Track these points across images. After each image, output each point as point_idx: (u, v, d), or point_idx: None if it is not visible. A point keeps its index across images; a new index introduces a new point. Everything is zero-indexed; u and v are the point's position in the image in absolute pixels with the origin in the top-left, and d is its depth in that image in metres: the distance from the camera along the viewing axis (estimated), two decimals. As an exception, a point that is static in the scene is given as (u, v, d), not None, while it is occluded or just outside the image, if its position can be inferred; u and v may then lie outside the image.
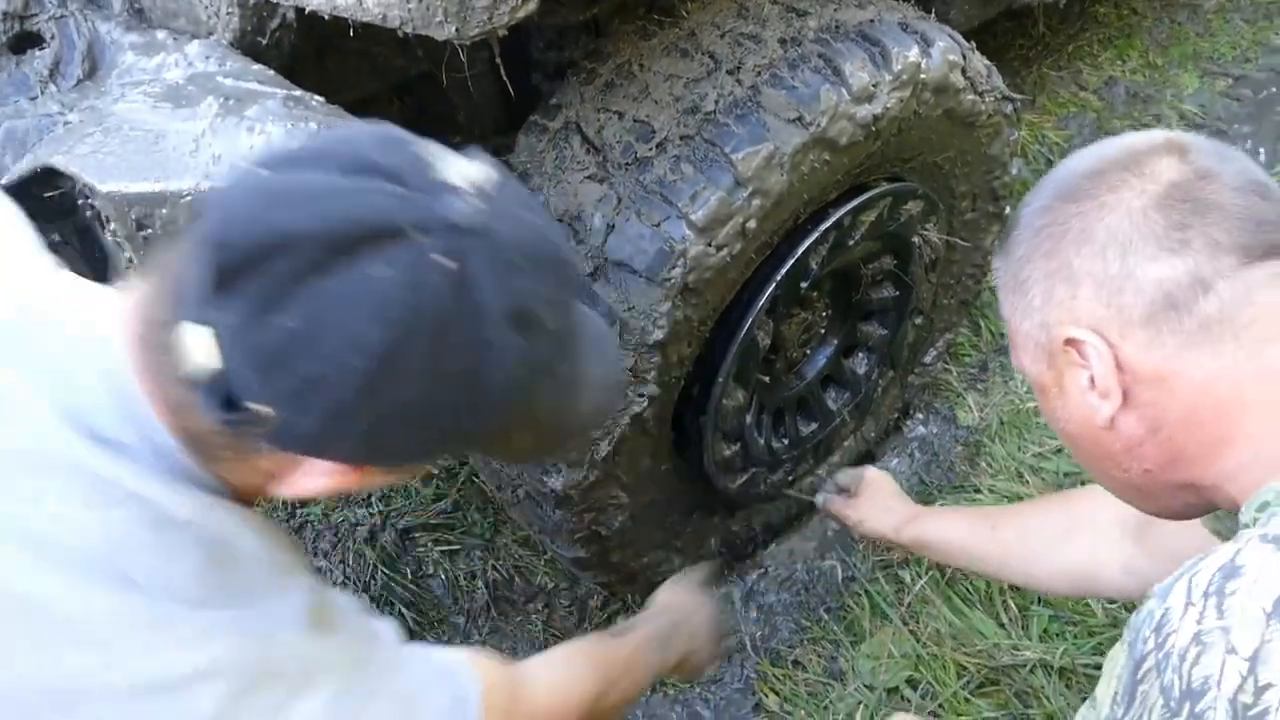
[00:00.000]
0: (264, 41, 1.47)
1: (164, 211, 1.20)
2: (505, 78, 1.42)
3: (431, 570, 2.42)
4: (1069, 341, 0.92)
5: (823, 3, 1.73)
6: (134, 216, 1.22)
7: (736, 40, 1.65)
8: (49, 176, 1.29)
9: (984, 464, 2.46)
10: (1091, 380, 0.92)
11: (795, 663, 2.20)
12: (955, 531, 1.73)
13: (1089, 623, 2.09)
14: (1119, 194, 0.90)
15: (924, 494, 2.44)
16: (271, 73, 1.33)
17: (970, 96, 1.81)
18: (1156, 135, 0.96)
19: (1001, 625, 2.13)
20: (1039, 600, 2.15)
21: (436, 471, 2.59)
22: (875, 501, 1.90)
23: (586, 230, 1.59)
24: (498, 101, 2.00)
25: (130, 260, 1.30)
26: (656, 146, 1.58)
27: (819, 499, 2.04)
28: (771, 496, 2.25)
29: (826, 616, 2.27)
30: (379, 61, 1.79)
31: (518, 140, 1.76)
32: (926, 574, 2.23)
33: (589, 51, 1.78)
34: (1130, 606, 2.10)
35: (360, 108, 1.37)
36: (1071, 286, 0.91)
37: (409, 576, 2.40)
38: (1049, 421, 1.03)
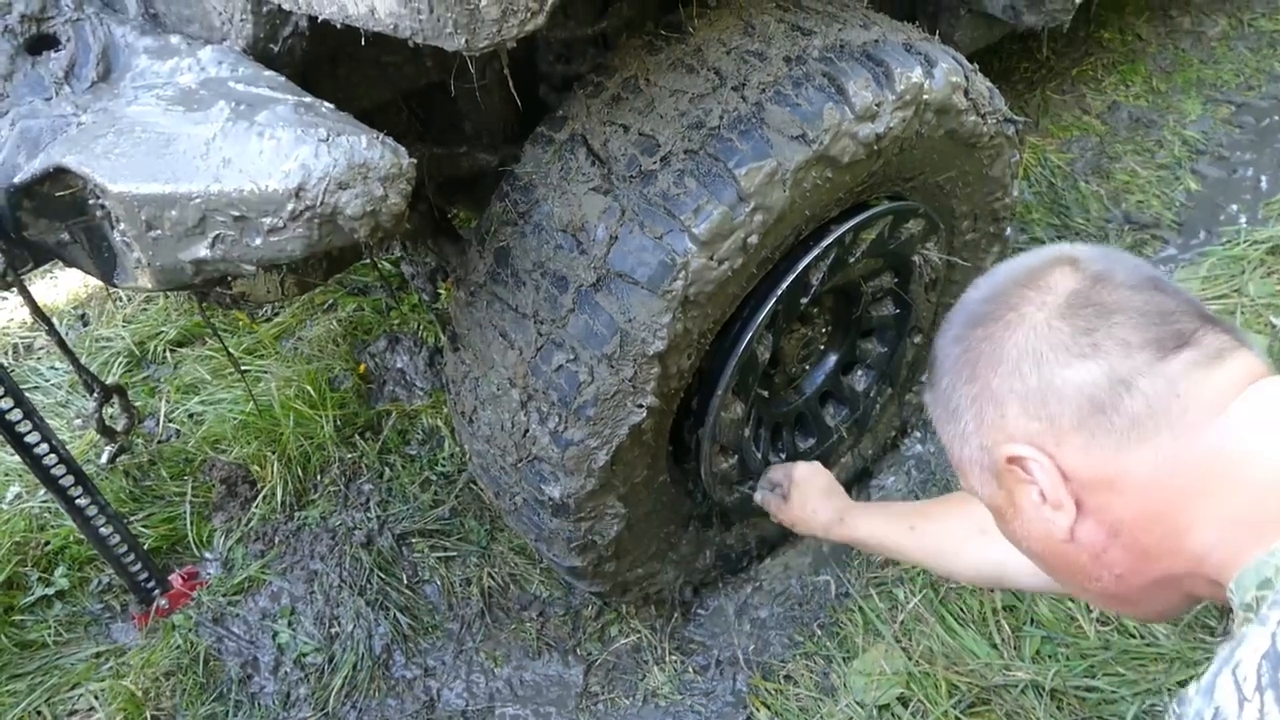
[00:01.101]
0: (276, 48, 1.48)
1: (173, 213, 1.21)
2: (513, 89, 1.44)
3: (427, 576, 2.43)
4: (1010, 459, 0.94)
5: (828, 22, 1.75)
6: (144, 217, 1.23)
7: (742, 57, 1.67)
8: (61, 176, 1.31)
9: (979, 483, 2.47)
10: (1042, 494, 0.94)
11: (787, 677, 2.20)
12: (878, 531, 1.79)
13: (1081, 645, 2.10)
14: (1021, 311, 0.94)
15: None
16: (283, 79, 1.34)
17: (972, 118, 1.83)
18: (1048, 251, 1.01)
19: (994, 645, 2.13)
20: (1032, 621, 2.15)
21: (434, 478, 2.60)
22: (805, 503, 1.91)
23: (590, 241, 1.60)
24: (505, 112, 2.02)
25: (139, 260, 1.31)
26: (661, 160, 1.59)
27: (756, 496, 2.05)
28: (766, 510, 2.26)
29: (819, 632, 2.27)
30: (389, 70, 1.80)
31: (524, 151, 1.77)
32: (920, 592, 2.23)
33: (596, 65, 1.80)
34: (1122, 624, 2.11)
35: (370, 116, 1.39)
36: (998, 407, 0.94)
37: (405, 582, 2.40)
38: (1013, 544, 1.06)
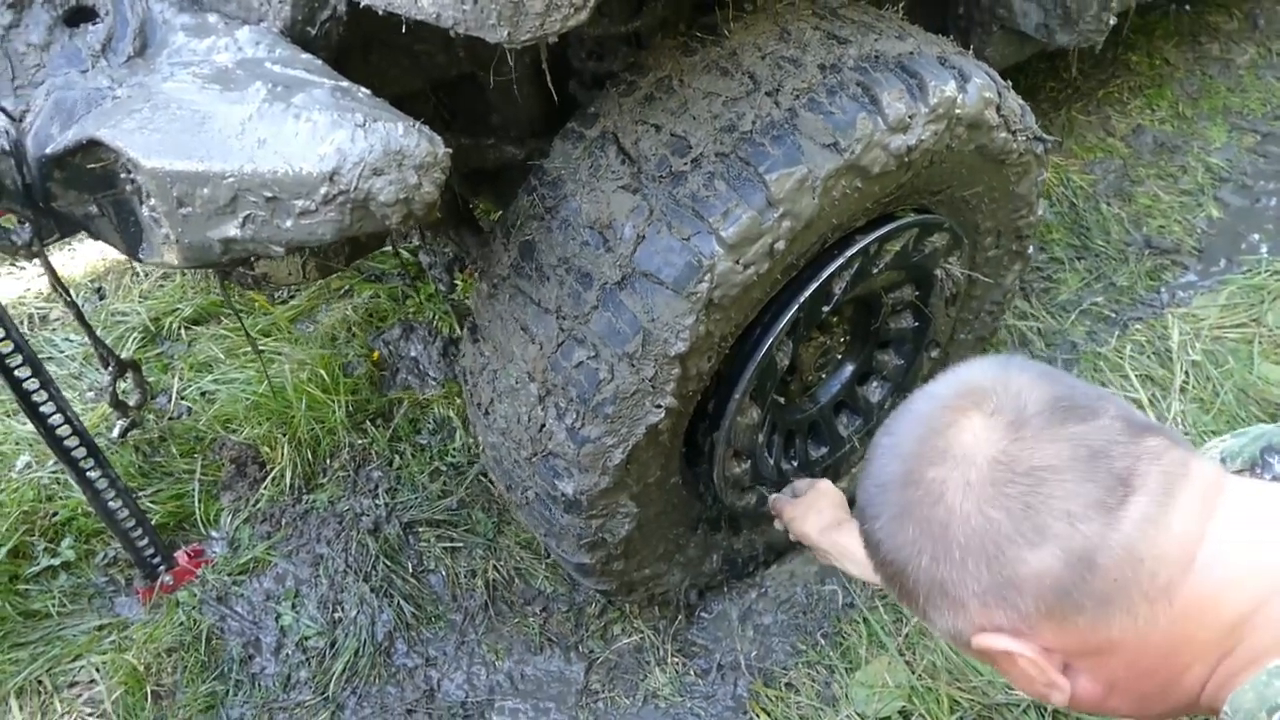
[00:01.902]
0: (313, 32, 1.48)
1: (205, 191, 1.21)
2: (550, 83, 1.43)
3: (432, 566, 2.43)
4: (986, 649, 0.88)
5: (863, 32, 1.74)
6: (175, 194, 1.23)
7: (777, 63, 1.66)
8: (93, 148, 1.31)
9: (988, 500, 2.46)
10: (1021, 666, 0.88)
11: (789, 685, 2.20)
12: (859, 549, 1.72)
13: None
14: (945, 500, 0.85)
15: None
16: (320, 63, 1.34)
17: (1003, 134, 1.83)
18: (944, 391, 0.91)
19: (997, 663, 2.12)
20: (1036, 641, 2.14)
21: (444, 469, 2.60)
22: (811, 506, 1.86)
23: (616, 239, 1.60)
24: (533, 106, 2.02)
25: (167, 237, 1.31)
26: (692, 162, 1.59)
27: (771, 498, 2.03)
28: (773, 511, 2.26)
29: (823, 641, 2.27)
30: (422, 59, 1.80)
31: (553, 146, 1.77)
32: (925, 606, 2.22)
33: (629, 64, 1.79)
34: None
35: (398, 104, 1.39)
36: (955, 603, 0.87)
37: (410, 570, 2.40)
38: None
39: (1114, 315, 2.93)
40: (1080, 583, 0.81)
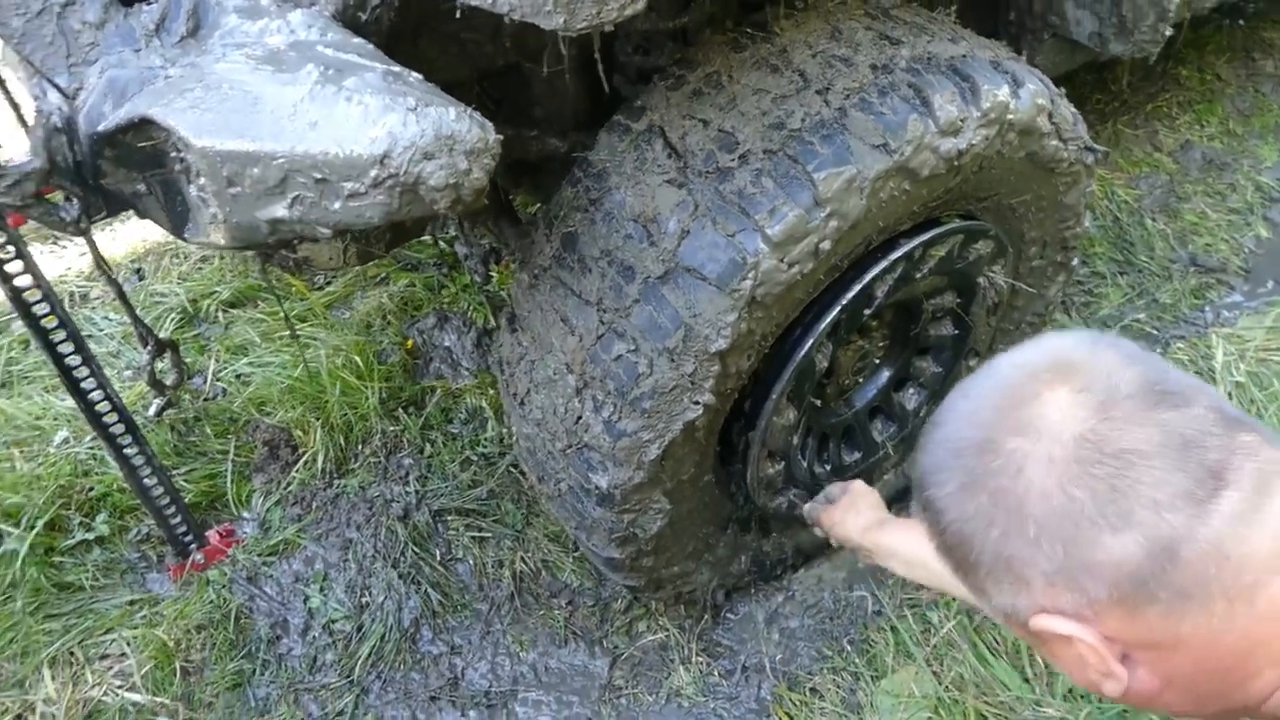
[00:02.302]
0: (364, 17, 1.49)
1: (255, 171, 1.22)
2: (602, 74, 1.43)
3: (460, 555, 2.43)
4: (1045, 631, 0.85)
5: (916, 33, 1.73)
6: (225, 174, 1.23)
7: (828, 61, 1.65)
8: (144, 127, 1.31)
9: (1022, 513, 2.43)
10: (1080, 651, 0.85)
11: (813, 690, 2.18)
12: (905, 545, 1.69)
13: (1116, 687, 2.06)
14: (1025, 473, 0.81)
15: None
16: (371, 47, 1.34)
17: (1054, 142, 1.80)
18: (1031, 360, 0.87)
19: (1026, 680, 2.10)
20: (1066, 657, 2.11)
21: (475, 458, 2.61)
22: (849, 508, 1.85)
23: (660, 233, 1.59)
24: (578, 99, 2.01)
25: (214, 216, 1.32)
26: (739, 158, 1.58)
27: (806, 507, 1.99)
28: (809, 520, 2.24)
29: (849, 648, 2.25)
30: (469, 48, 1.80)
31: (599, 138, 1.76)
32: (955, 618, 2.20)
33: (678, 58, 1.79)
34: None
35: (444, 92, 1.38)
36: (1020, 580, 0.84)
37: (438, 558, 2.41)
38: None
39: (1156, 333, 2.89)
40: (1159, 574, 0.78)
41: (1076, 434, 0.80)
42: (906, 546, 1.70)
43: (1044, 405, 0.83)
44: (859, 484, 1.91)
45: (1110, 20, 2.14)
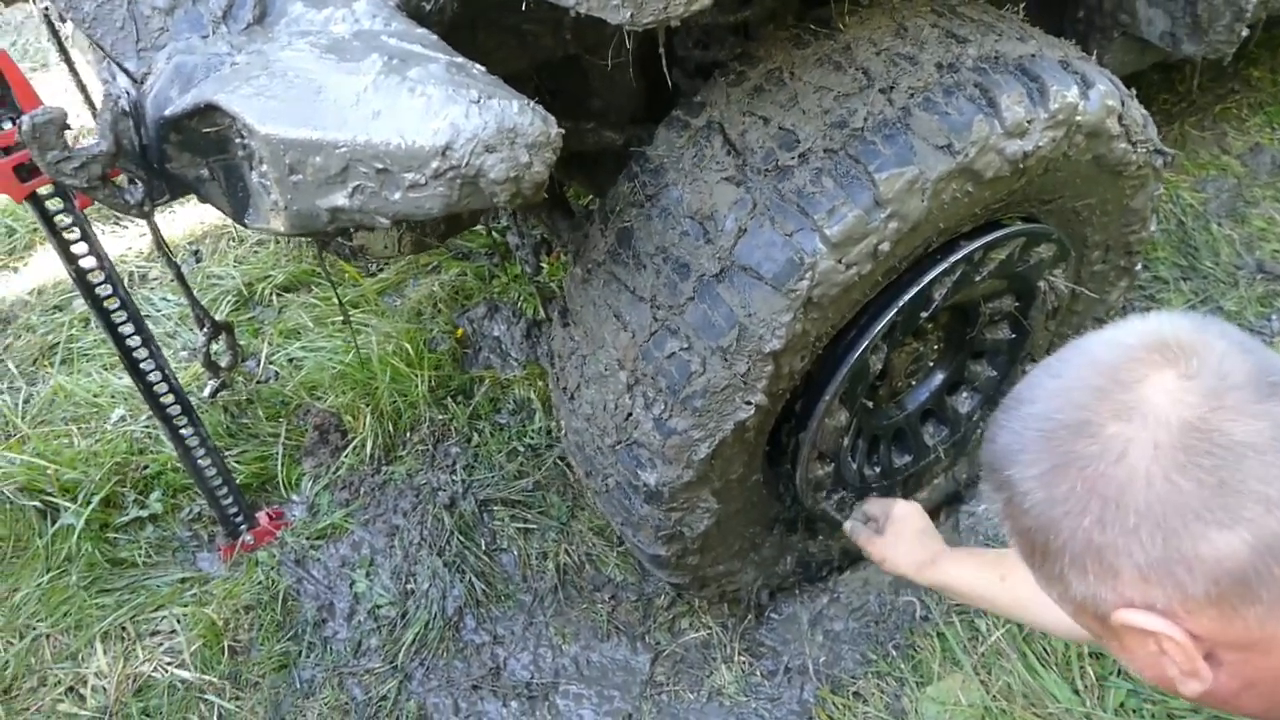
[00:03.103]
0: (428, 7, 1.49)
1: (318, 159, 1.22)
2: (665, 69, 1.41)
3: (505, 545, 2.44)
4: (1129, 625, 0.81)
5: (984, 32, 1.69)
6: (288, 161, 1.24)
7: (892, 59, 1.62)
8: (210, 113, 1.32)
9: (1075, 522, 2.39)
10: (1163, 650, 0.81)
11: (856, 694, 2.16)
12: (968, 578, 1.65)
13: (1170, 704, 2.01)
14: (1128, 459, 0.77)
15: (1008, 545, 2.38)
16: (435, 37, 1.34)
17: (1123, 145, 1.76)
18: (1133, 340, 0.82)
19: (1076, 691, 2.06)
20: (1119, 672, 2.07)
21: (522, 450, 2.61)
22: (899, 540, 1.79)
23: (717, 231, 1.58)
24: (635, 93, 2.00)
25: (275, 203, 1.32)
26: (799, 156, 1.56)
27: (846, 526, 1.94)
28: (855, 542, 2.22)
29: (894, 653, 2.22)
30: (529, 40, 1.80)
31: (657, 133, 1.75)
32: (1003, 626, 2.17)
33: (738, 54, 1.77)
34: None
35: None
36: (1108, 570, 0.80)
37: (483, 548, 2.42)
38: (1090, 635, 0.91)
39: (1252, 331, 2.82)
40: (1264, 573, 0.75)
41: (1185, 421, 0.76)
42: (965, 585, 1.67)
43: (1149, 388, 0.78)
44: (900, 507, 1.84)
45: (1184, 19, 2.09)
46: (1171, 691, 0.86)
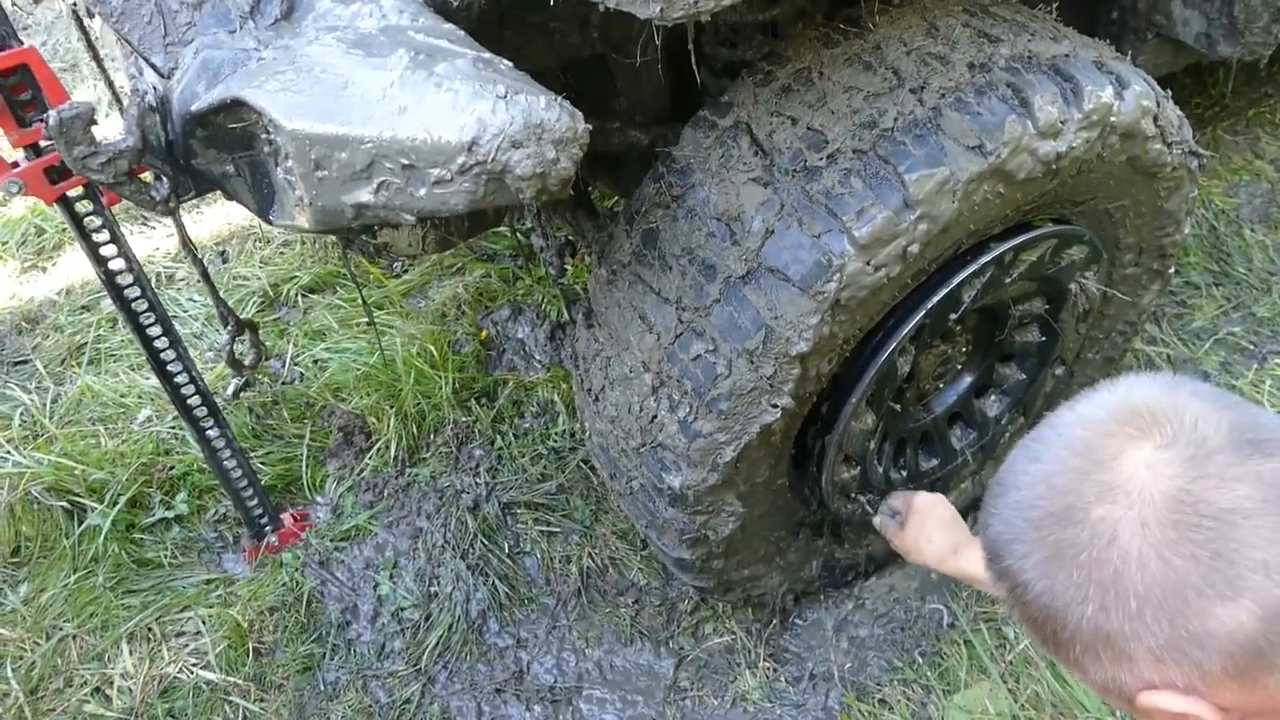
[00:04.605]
0: (455, 3, 1.48)
1: (343, 155, 1.21)
2: (694, 66, 1.40)
3: (528, 548, 2.43)
4: (1155, 708, 0.79)
5: (1016, 31, 1.67)
6: (314, 157, 1.23)
7: (923, 59, 1.60)
8: (236, 108, 1.32)
9: (1105, 530, 2.35)
10: None
11: (882, 701, 2.13)
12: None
13: (1201, 714, 1.98)
14: (1118, 543, 0.75)
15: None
16: (462, 33, 1.33)
17: (1158, 146, 1.73)
18: (1104, 413, 0.80)
19: (1105, 701, 2.02)
20: (1148, 681, 2.04)
21: (545, 452, 2.60)
22: (921, 530, 1.75)
23: (744, 232, 1.56)
24: (661, 92, 1.99)
25: (300, 199, 1.32)
26: (828, 157, 1.54)
27: (875, 520, 1.92)
28: (883, 535, 2.19)
29: (921, 660, 2.20)
30: (555, 38, 1.79)
31: (683, 133, 1.74)
32: (1032, 634, 2.14)
33: (766, 53, 1.75)
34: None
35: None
36: (1121, 656, 0.77)
37: (506, 551, 2.41)
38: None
39: (1252, 348, 2.77)
40: (1276, 641, 0.73)
41: (1168, 495, 0.74)
42: (982, 578, 1.62)
43: (1127, 465, 0.76)
44: (923, 499, 1.81)
45: (1220, 21, 2.06)
46: None
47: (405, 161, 1.18)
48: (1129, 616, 0.76)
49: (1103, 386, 0.86)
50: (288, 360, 2.90)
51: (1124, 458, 0.77)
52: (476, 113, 1.14)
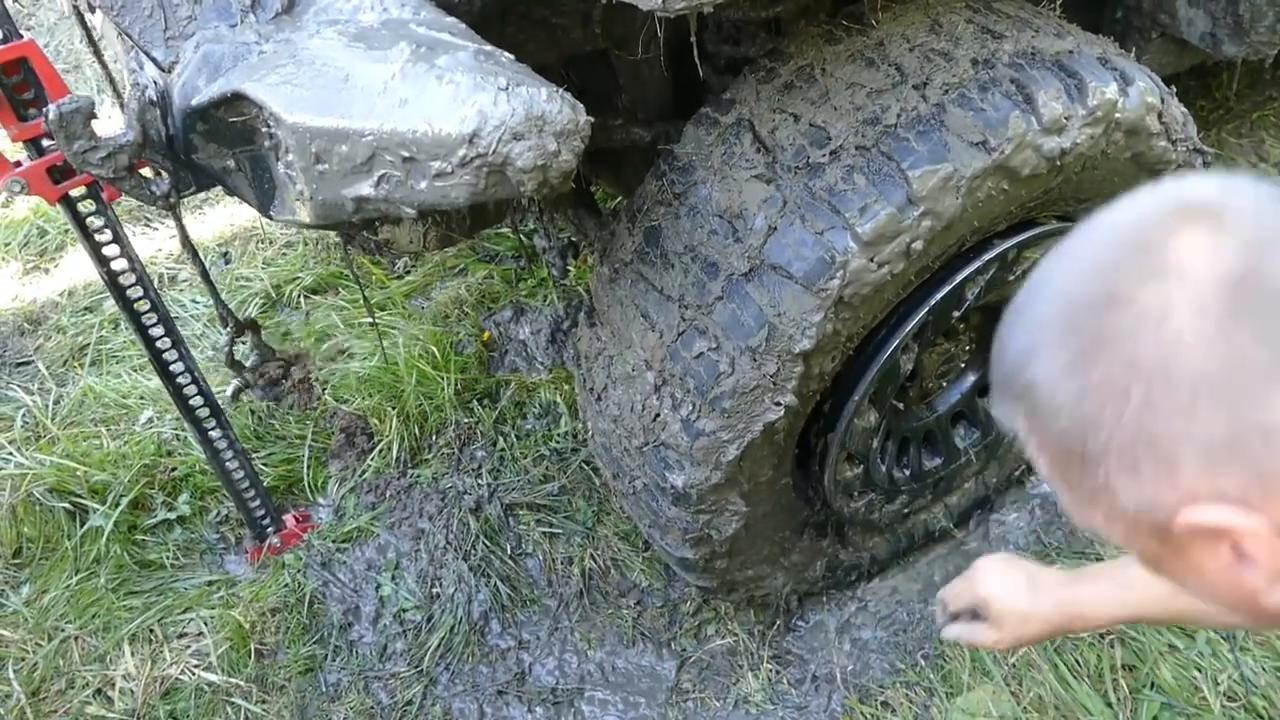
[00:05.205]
0: (456, -1, 1.48)
1: (344, 148, 1.21)
2: (696, 60, 1.39)
3: (530, 550, 2.42)
4: (1196, 527, 0.68)
5: (1020, 27, 1.66)
6: (314, 150, 1.23)
7: (926, 56, 1.60)
8: (237, 102, 1.32)
9: (1110, 533, 2.33)
10: (1241, 554, 0.69)
11: (885, 704, 2.12)
12: (1109, 610, 1.35)
13: (1205, 718, 1.96)
14: (1170, 323, 0.64)
15: (1041, 555, 2.33)
16: (464, 26, 1.33)
17: (1162, 143, 1.72)
18: (1149, 207, 0.70)
19: (1109, 704, 2.01)
20: (1152, 685, 2.03)
21: (547, 453, 2.59)
22: (1023, 621, 1.38)
23: (746, 229, 1.55)
24: (664, 89, 1.99)
25: (301, 193, 1.31)
26: (830, 154, 1.53)
27: (947, 635, 1.48)
28: (881, 527, 2.18)
29: (923, 662, 2.18)
30: (557, 34, 1.78)
31: (685, 130, 1.73)
32: (1035, 636, 2.12)
33: (769, 50, 1.75)
34: (1250, 701, 1.97)
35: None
36: (1165, 462, 0.66)
37: (508, 552, 2.40)
38: (1171, 581, 0.78)
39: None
40: None
41: (1229, 274, 0.64)
42: (1102, 621, 1.39)
43: (1182, 247, 0.66)
44: (989, 582, 1.41)
45: (1225, 20, 2.04)
46: (1253, 613, 0.74)
47: (406, 154, 1.18)
48: (1179, 410, 0.65)
49: (1144, 187, 0.74)
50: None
51: (1177, 241, 0.66)
52: (477, 105, 1.14)
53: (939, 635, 1.59)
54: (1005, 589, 1.39)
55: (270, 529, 2.40)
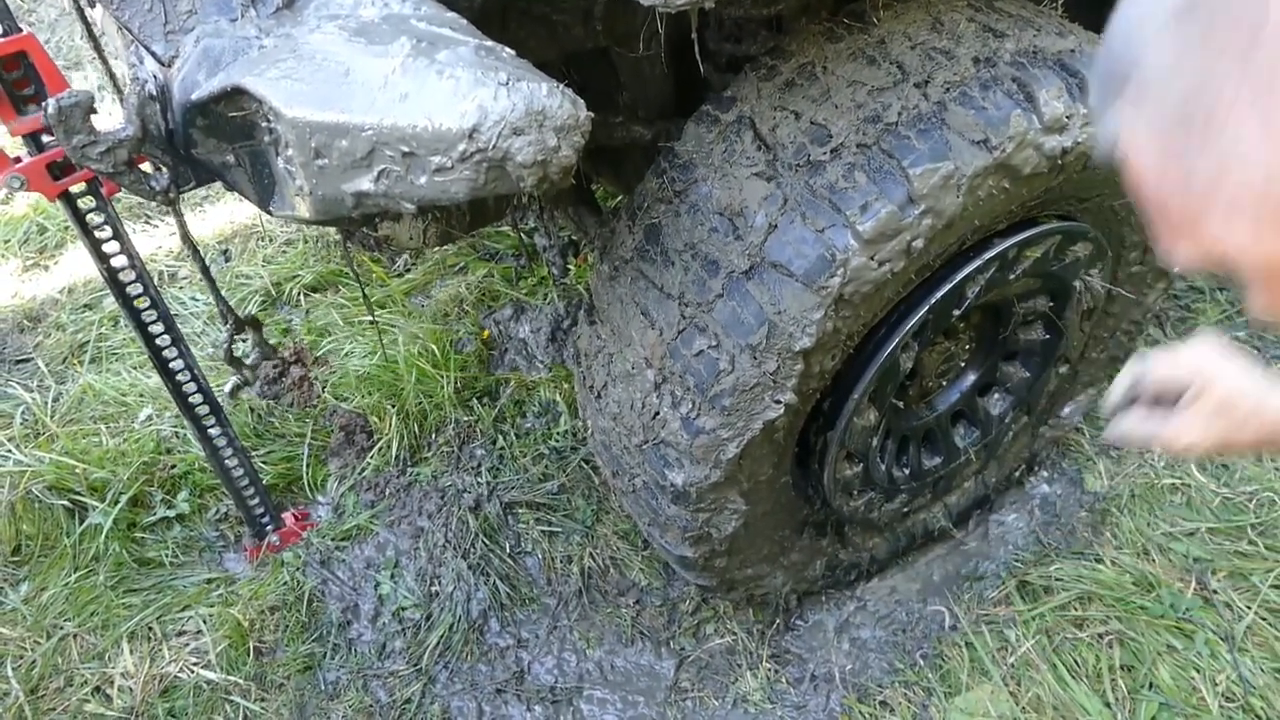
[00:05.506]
0: (457, -5, 1.47)
1: (343, 143, 1.20)
2: (697, 57, 1.39)
3: (529, 548, 2.42)
4: None
5: (1022, 26, 1.66)
6: (314, 145, 1.22)
7: (928, 54, 1.59)
8: (236, 97, 1.31)
9: (1109, 534, 2.34)
10: None
11: (883, 703, 2.12)
12: None
13: (1203, 718, 1.96)
14: None
15: (1040, 556, 2.33)
16: (465, 21, 1.32)
17: (1163, 143, 1.72)
18: None
19: (1107, 705, 2.01)
20: (1151, 685, 2.03)
21: (547, 452, 2.59)
22: (1235, 400, 1.12)
23: (747, 227, 1.55)
24: (664, 86, 1.98)
25: (300, 188, 1.31)
26: (831, 151, 1.53)
27: (1115, 431, 1.21)
28: (880, 526, 2.18)
29: (922, 662, 2.18)
30: (558, 31, 1.78)
31: (686, 128, 1.73)
32: (1033, 637, 2.12)
33: (770, 48, 1.74)
34: (1248, 702, 1.97)
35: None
36: None
37: (507, 551, 2.40)
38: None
39: (1257, 351, 2.76)
40: None
41: None
42: None
43: None
44: (1208, 357, 1.16)
45: (1225, 19, 2.04)
46: None
47: (406, 149, 1.17)
48: None
49: None
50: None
51: None
52: (478, 99, 1.13)
53: (1104, 436, 1.26)
54: (1237, 368, 1.15)
55: (269, 527, 2.40)
